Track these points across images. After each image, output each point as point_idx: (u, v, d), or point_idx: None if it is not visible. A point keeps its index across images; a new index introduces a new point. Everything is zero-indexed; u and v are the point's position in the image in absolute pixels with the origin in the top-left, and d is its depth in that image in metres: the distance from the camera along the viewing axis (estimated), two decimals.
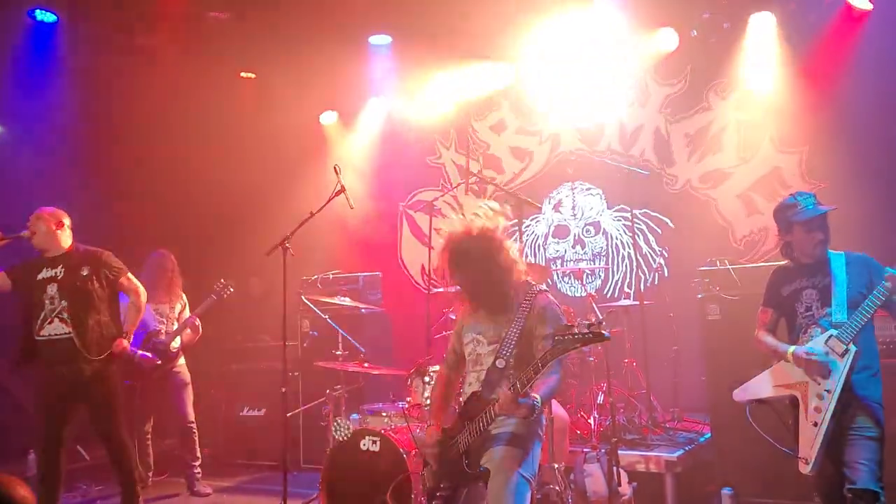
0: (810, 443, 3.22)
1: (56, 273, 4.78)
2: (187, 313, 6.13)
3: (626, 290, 6.81)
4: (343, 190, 4.90)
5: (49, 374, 4.69)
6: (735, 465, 4.94)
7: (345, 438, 4.49)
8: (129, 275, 5.04)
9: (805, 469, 3.24)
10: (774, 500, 4.71)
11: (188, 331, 6.06)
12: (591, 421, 5.33)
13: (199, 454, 6.12)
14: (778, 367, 3.42)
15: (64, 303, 4.72)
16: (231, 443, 6.94)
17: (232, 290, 6.30)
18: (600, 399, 5.42)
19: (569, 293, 7.11)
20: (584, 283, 6.92)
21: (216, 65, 6.99)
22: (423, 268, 7.78)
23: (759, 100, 6.33)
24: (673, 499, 4.75)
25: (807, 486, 4.48)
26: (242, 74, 7.39)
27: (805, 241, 3.38)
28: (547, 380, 2.85)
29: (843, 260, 3.37)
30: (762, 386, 3.46)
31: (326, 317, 5.87)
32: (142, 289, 5.06)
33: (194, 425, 6.13)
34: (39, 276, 4.77)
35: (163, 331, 6.02)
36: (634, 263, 6.32)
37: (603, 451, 4.74)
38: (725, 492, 4.87)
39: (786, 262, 3.55)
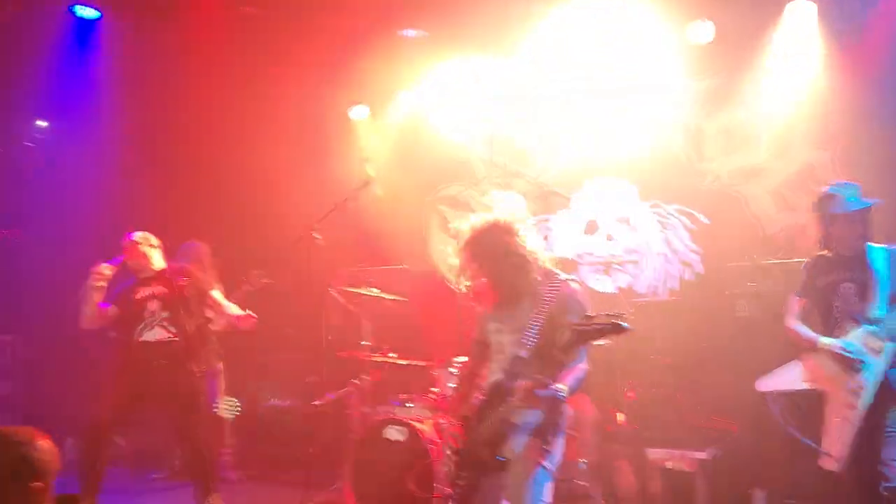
0: (836, 439, 3.15)
1: (154, 290, 5.02)
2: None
3: (656, 285, 6.72)
4: (371, 180, 4.91)
5: (139, 377, 4.86)
6: (766, 465, 4.85)
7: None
8: (215, 292, 5.31)
9: (829, 465, 3.17)
10: (807, 502, 4.62)
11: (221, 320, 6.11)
12: (620, 417, 5.27)
13: (229, 441, 6.20)
14: (808, 361, 3.34)
15: (165, 314, 4.96)
16: (257, 433, 6.99)
17: (265, 280, 6.36)
18: (629, 397, 5.36)
19: (598, 289, 7.02)
20: (613, 278, 6.84)
21: (249, 59, 7.04)
22: (452, 265, 7.74)
23: (794, 95, 6.20)
24: (703, 497, 4.66)
25: (841, 488, 4.45)
26: (273, 68, 7.40)
27: (845, 233, 3.30)
28: (573, 370, 2.82)
29: (884, 254, 3.28)
30: (790, 378, 3.39)
31: (354, 309, 5.89)
32: (224, 304, 5.28)
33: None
34: (138, 296, 5.00)
35: None
36: (666, 260, 6.23)
37: (631, 448, 4.69)
38: (758, 493, 4.79)
39: (823, 252, 3.47)
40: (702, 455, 4.78)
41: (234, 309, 5.31)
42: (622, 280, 6.94)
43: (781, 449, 4.71)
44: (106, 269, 4.98)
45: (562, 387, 2.74)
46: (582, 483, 4.31)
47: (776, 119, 6.33)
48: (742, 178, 6.50)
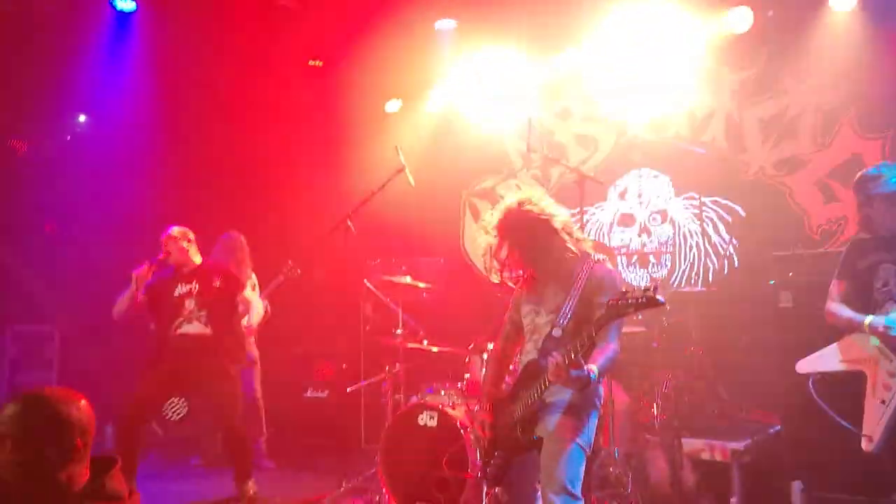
0: (876, 420, 3.09)
1: (192, 288, 5.13)
2: (257, 293, 6.28)
3: (693, 278, 6.62)
4: (403, 168, 4.93)
5: (175, 368, 4.99)
6: (806, 458, 4.73)
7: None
8: (247, 291, 5.47)
9: (868, 447, 3.11)
10: (848, 495, 4.50)
11: (258, 311, 6.20)
12: (654, 408, 5.21)
13: (264, 429, 6.27)
14: (848, 341, 3.28)
15: (202, 312, 5.08)
16: (295, 424, 7.06)
17: (299, 271, 6.44)
18: (664, 387, 5.29)
19: (634, 282, 6.96)
20: (650, 271, 6.77)
21: (284, 53, 7.15)
22: (486, 256, 7.75)
23: (840, 82, 6.06)
24: (739, 489, 4.57)
25: (883, 480, 4.33)
26: (310, 63, 7.50)
27: (886, 214, 3.23)
28: (603, 350, 2.80)
29: None
30: (829, 359, 3.33)
31: (388, 300, 5.92)
32: (254, 303, 5.51)
33: (261, 401, 6.29)
34: (176, 293, 5.12)
35: None
36: (703, 252, 6.14)
37: (666, 438, 4.63)
38: (796, 485, 4.69)
39: (863, 235, 3.39)
40: (738, 446, 4.69)
41: (256, 315, 5.53)
42: (658, 273, 6.86)
43: (820, 440, 4.60)
44: (146, 273, 5.11)
45: (594, 367, 2.72)
46: (614, 471, 4.26)
47: (821, 108, 6.20)
48: (786, 168, 6.37)
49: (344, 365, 5.03)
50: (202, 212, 6.97)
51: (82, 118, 8.08)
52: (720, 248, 6.60)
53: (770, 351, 5.14)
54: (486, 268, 7.39)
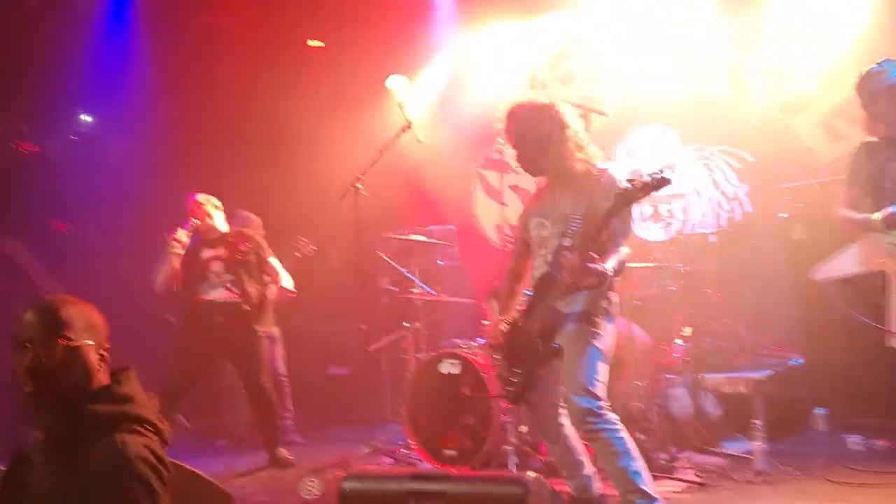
0: None
1: (219, 252, 5.21)
2: None
3: (706, 226, 6.62)
4: (410, 125, 4.97)
5: (204, 334, 5.09)
6: (827, 386, 4.76)
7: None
8: (272, 258, 5.51)
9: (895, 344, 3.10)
10: (869, 418, 4.50)
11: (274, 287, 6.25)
12: (675, 351, 5.22)
13: (290, 406, 6.33)
14: (864, 241, 3.28)
15: (229, 276, 5.16)
16: (318, 401, 7.11)
17: (315, 248, 6.49)
18: (686, 332, 5.30)
19: (647, 238, 6.95)
20: (662, 224, 6.76)
21: (285, 34, 7.22)
22: (498, 227, 7.79)
23: (842, 22, 6.04)
24: (763, 419, 4.57)
25: None
26: (310, 43, 7.57)
27: (891, 109, 3.23)
28: (614, 251, 2.82)
29: None
30: (847, 263, 3.34)
31: (403, 270, 5.97)
32: (281, 273, 5.52)
33: (286, 379, 6.35)
34: (203, 256, 5.19)
35: None
36: (714, 201, 6.15)
37: (687, 375, 4.65)
38: (819, 412, 4.70)
39: (869, 139, 3.40)
40: (759, 376, 4.70)
41: (287, 279, 5.53)
42: (672, 227, 6.86)
43: (843, 368, 4.61)
44: (182, 236, 5.15)
45: (606, 264, 2.74)
46: (637, 405, 4.28)
47: (824, 48, 6.19)
48: (790, 112, 6.37)
49: (363, 325, 5.03)
50: (213, 193, 7.07)
51: (88, 119, 8.17)
52: (731, 195, 6.60)
53: (788, 286, 5.16)
54: (500, 237, 7.43)
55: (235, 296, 5.14)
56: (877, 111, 3.28)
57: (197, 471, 2.15)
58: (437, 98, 7.87)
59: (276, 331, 6.43)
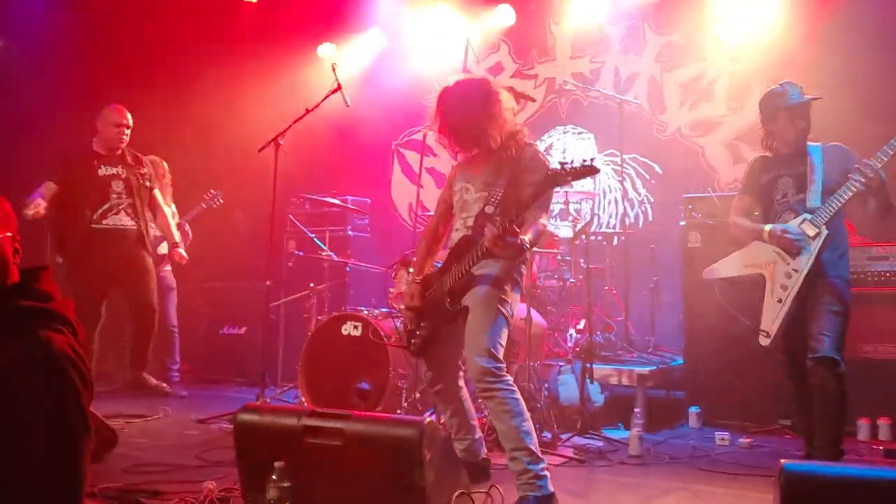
0: (773, 318, 3.36)
1: (118, 171, 5.14)
2: (175, 222, 6.18)
3: (611, 228, 6.92)
4: (339, 88, 4.96)
5: (101, 260, 5.03)
6: (704, 387, 5.09)
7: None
8: (157, 191, 5.52)
9: (764, 342, 3.37)
10: (739, 421, 4.86)
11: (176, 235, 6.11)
12: (569, 340, 5.45)
13: (178, 358, 6.19)
14: (750, 247, 3.55)
15: (129, 199, 5.12)
16: (210, 360, 6.97)
17: (221, 200, 6.38)
18: (580, 324, 5.54)
19: (559, 234, 7.18)
20: (572, 223, 7.00)
21: None
22: (410, 206, 7.88)
23: (754, 50, 6.43)
24: (643, 411, 4.85)
25: (770, 409, 4.71)
26: None
27: (787, 128, 3.50)
28: (534, 224, 2.94)
29: (819, 150, 3.50)
30: (732, 265, 3.59)
31: (313, 236, 5.95)
32: (167, 211, 5.60)
33: (176, 329, 6.22)
34: (101, 173, 5.10)
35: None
36: (621, 207, 6.43)
37: (578, 363, 4.85)
38: (693, 410, 5.03)
39: (765, 153, 3.67)
40: (643, 371, 4.97)
41: (175, 232, 5.55)
42: (580, 223, 7.10)
43: (721, 376, 4.96)
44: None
45: (525, 237, 2.85)
46: (528, 385, 4.44)
47: (734, 72, 6.58)
48: (700, 130, 6.74)
49: (268, 282, 4.98)
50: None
51: None
52: (637, 203, 6.92)
53: (678, 291, 5.47)
54: (412, 216, 7.51)
55: (132, 221, 5.11)
56: (774, 129, 3.54)
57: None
58: (365, 69, 7.88)
59: (171, 280, 6.30)
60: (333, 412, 2.43)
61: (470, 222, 3.09)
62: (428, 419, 2.36)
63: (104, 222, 5.06)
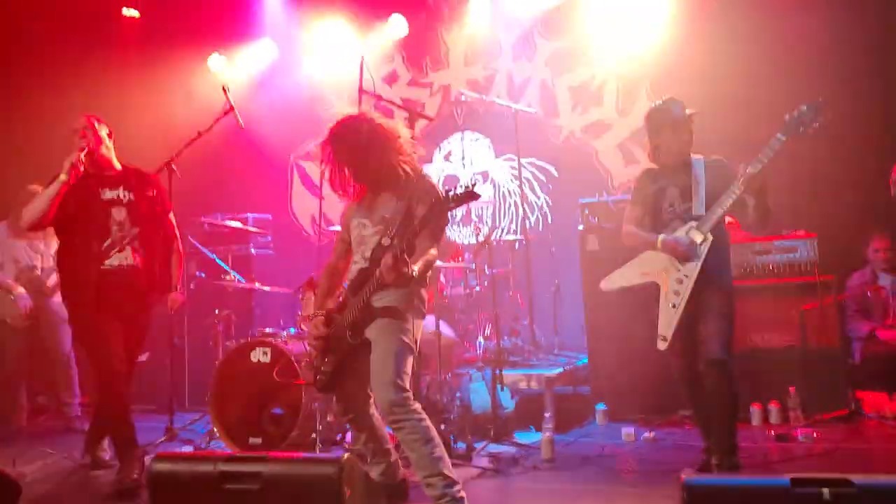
0: (669, 323, 3.55)
1: (120, 195, 4.10)
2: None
3: (512, 232, 7.08)
4: (232, 109, 4.89)
5: (104, 305, 3.98)
6: (609, 385, 5.32)
7: None
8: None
9: (662, 346, 3.56)
10: (643, 415, 5.11)
11: None
12: (477, 347, 5.55)
13: (77, 391, 5.94)
14: (644, 256, 3.73)
15: (135, 230, 4.08)
16: None
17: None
18: (487, 332, 5.65)
19: (461, 241, 7.31)
20: (473, 228, 7.13)
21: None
22: (313, 218, 7.80)
23: (639, 54, 6.70)
24: (552, 413, 5.00)
25: (670, 401, 4.97)
26: (124, 12, 7.15)
27: (672, 141, 3.69)
28: (424, 255, 3.01)
29: (702, 162, 3.71)
30: (629, 274, 3.77)
31: (214, 256, 5.82)
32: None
33: (73, 360, 5.94)
34: (103, 198, 4.06)
35: (38, 266, 5.86)
36: (521, 210, 6.60)
37: (488, 370, 4.96)
38: (599, 407, 5.24)
39: (652, 166, 3.86)
40: (550, 374, 5.13)
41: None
42: (482, 231, 7.25)
43: (624, 372, 5.19)
44: (79, 162, 3.93)
45: (414, 268, 2.91)
46: (440, 398, 4.51)
47: (620, 75, 6.85)
48: (593, 133, 6.98)
49: (171, 310, 4.79)
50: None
51: None
52: (535, 205, 7.12)
53: (579, 293, 5.67)
54: (315, 228, 7.44)
55: (139, 258, 4.08)
56: (659, 142, 3.74)
57: None
58: (257, 81, 7.74)
59: (63, 311, 6.01)
60: (250, 455, 2.41)
61: (368, 254, 3.12)
62: (346, 455, 2.38)
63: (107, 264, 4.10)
